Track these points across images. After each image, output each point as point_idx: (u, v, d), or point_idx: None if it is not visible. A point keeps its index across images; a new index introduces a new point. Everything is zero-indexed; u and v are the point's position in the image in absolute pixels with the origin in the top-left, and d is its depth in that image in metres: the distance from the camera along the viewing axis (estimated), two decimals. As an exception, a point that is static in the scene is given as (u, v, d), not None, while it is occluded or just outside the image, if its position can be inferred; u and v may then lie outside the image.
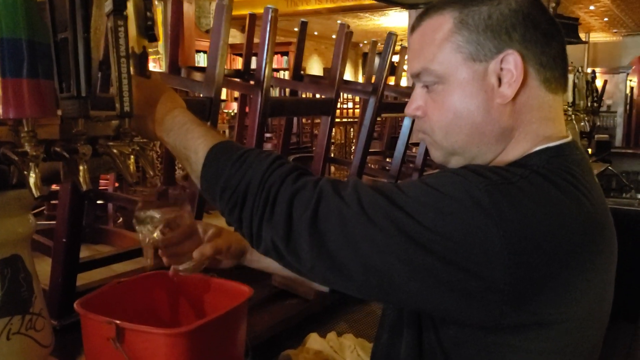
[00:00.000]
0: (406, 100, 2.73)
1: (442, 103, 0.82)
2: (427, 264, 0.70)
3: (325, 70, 13.93)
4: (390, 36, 2.16)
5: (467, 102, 0.80)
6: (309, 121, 5.94)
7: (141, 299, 1.10)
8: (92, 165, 0.96)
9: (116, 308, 1.02)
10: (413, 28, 0.87)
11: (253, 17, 2.35)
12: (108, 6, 0.93)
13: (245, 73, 2.26)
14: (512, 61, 0.78)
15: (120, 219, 2.42)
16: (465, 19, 0.80)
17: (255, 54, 1.78)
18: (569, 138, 0.84)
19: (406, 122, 2.50)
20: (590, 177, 0.82)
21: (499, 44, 0.79)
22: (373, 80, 2.34)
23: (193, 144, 0.87)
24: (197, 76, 1.94)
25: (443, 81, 0.82)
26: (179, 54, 2.05)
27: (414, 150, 3.19)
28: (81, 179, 0.87)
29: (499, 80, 0.80)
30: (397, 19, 10.17)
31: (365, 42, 13.77)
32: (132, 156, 0.97)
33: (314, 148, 6.88)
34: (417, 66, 0.85)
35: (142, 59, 0.97)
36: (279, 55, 10.42)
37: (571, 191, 0.75)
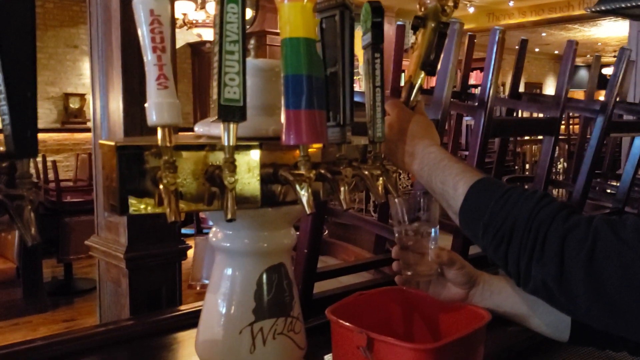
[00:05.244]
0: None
1: None
2: None
3: (527, 84, 13.25)
4: (623, 52, 2.01)
5: None
6: (512, 139, 5.70)
7: (378, 311, 1.16)
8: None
9: (357, 317, 1.09)
10: None
11: (472, 38, 2.35)
12: (366, 40, 1.01)
13: (462, 93, 2.27)
14: None
15: (326, 231, 2.56)
16: None
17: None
18: None
19: (637, 142, 2.29)
20: None
21: None
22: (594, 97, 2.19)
23: (452, 180, 0.90)
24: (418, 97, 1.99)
25: None
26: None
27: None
28: (342, 199, 0.95)
29: None
30: (610, 29, 9.33)
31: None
32: (381, 178, 1.04)
33: (515, 167, 6.59)
34: None
35: (410, 90, 1.03)
36: (478, 70, 10.19)
37: None
